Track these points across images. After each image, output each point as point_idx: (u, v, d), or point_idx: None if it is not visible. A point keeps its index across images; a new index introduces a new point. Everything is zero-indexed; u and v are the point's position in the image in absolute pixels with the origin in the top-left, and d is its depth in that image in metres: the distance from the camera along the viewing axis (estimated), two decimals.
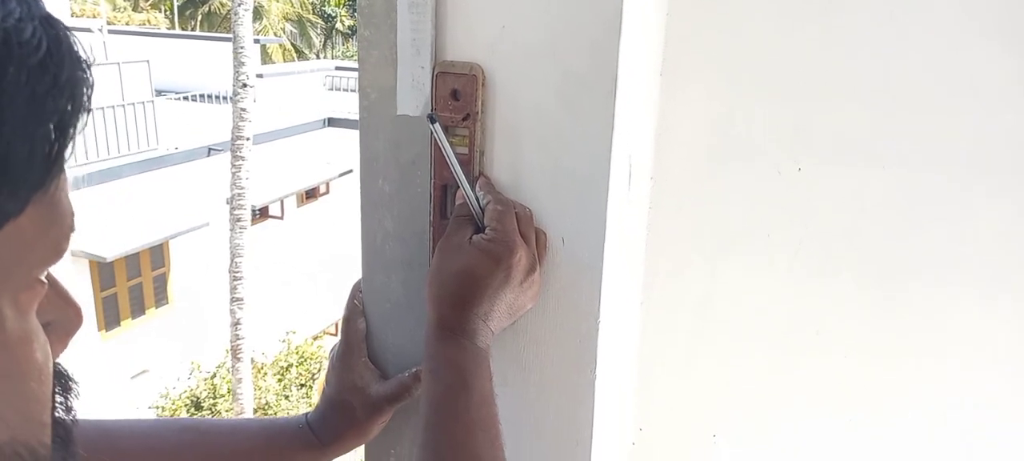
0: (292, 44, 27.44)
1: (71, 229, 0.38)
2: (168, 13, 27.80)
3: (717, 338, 0.86)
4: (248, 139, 8.53)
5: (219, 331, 9.67)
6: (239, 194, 8.55)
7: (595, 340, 0.72)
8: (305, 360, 10.36)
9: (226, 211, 8.85)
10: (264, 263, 10.75)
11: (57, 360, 0.40)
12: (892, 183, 0.76)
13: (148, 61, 10.93)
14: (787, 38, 0.75)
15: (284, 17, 27.43)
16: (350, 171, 12.43)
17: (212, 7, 26.85)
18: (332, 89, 16.90)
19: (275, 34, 26.08)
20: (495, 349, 0.69)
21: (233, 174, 8.54)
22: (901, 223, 0.77)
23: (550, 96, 0.68)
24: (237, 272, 8.61)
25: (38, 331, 0.37)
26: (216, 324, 10.07)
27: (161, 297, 10.98)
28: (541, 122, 0.69)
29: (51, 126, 0.33)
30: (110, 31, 15.29)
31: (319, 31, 29.53)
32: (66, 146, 0.35)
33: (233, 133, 8.50)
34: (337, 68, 18.11)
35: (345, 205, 12.74)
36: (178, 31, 24.66)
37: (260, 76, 12.71)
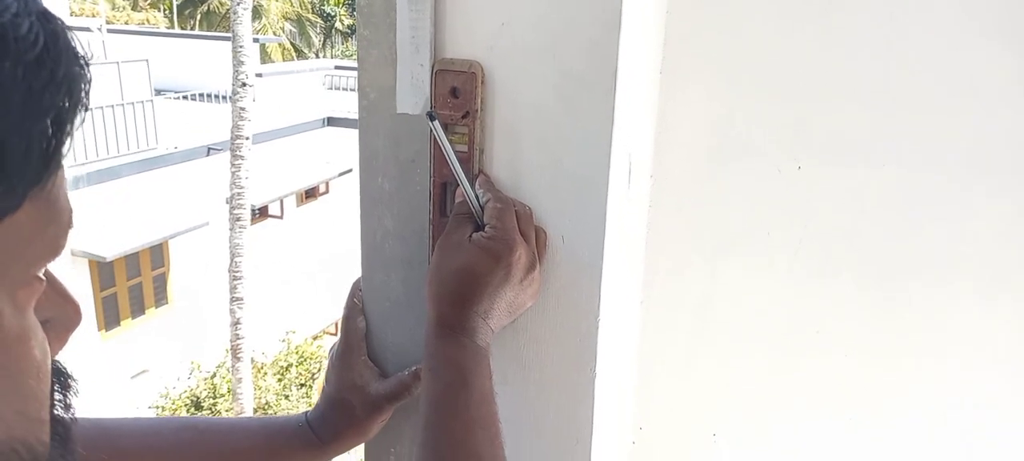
0: (291, 43, 27.44)
1: (69, 226, 0.38)
2: (167, 12, 27.80)
3: (717, 338, 0.86)
4: (247, 138, 8.53)
5: (219, 331, 9.67)
6: (239, 193, 8.55)
7: (595, 339, 0.72)
8: (305, 360, 10.36)
9: (226, 211, 8.85)
10: (264, 262, 10.75)
11: (55, 357, 0.40)
12: (892, 183, 0.76)
13: (147, 60, 10.92)
14: (787, 38, 0.75)
15: (283, 16, 27.43)
16: (350, 170, 12.43)
17: (211, 6, 26.85)
18: (331, 88, 16.90)
19: (274, 33, 26.08)
20: (495, 347, 0.69)
21: (232, 173, 8.54)
22: (901, 223, 0.77)
23: (550, 94, 0.68)
24: (237, 272, 8.61)
25: (36, 328, 0.37)
26: (216, 324, 10.07)
27: (161, 297, 10.98)
28: (541, 120, 0.69)
29: (48, 122, 0.33)
30: (109, 30, 15.28)
31: (318, 30, 29.54)
32: (63, 142, 0.35)
33: (232, 132, 8.51)
34: (336, 67, 18.11)
35: (345, 204, 12.74)
36: (177, 30, 24.65)
37: (259, 75, 12.72)
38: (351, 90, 16.09)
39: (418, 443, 0.64)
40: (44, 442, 0.38)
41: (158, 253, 10.70)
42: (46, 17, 0.34)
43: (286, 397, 9.78)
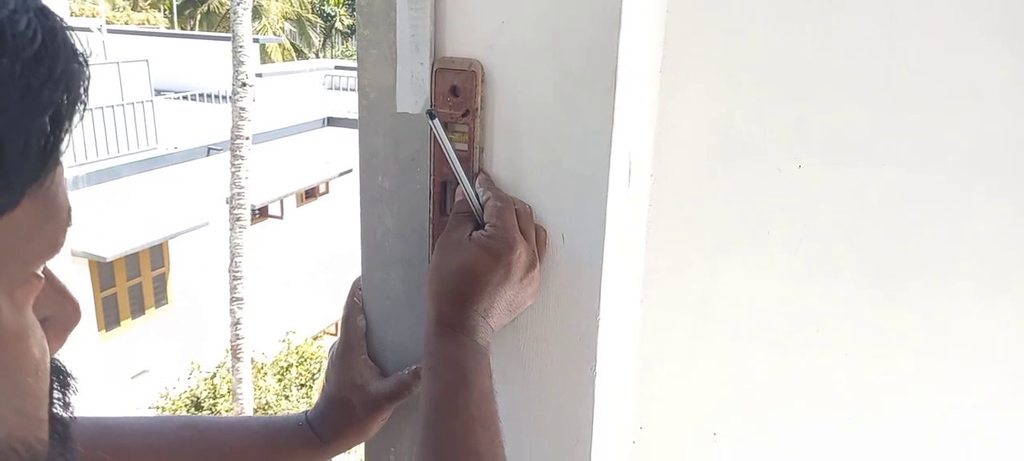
0: (291, 43, 27.44)
1: (68, 223, 0.37)
2: (167, 12, 27.80)
3: (717, 337, 0.86)
4: (247, 138, 8.53)
5: (219, 331, 9.67)
6: (239, 194, 8.55)
7: (595, 338, 0.72)
8: (305, 360, 10.35)
9: (226, 211, 8.85)
10: (264, 263, 10.75)
11: (54, 356, 0.40)
12: (892, 182, 0.76)
13: (147, 60, 10.92)
14: (787, 37, 0.75)
15: (283, 16, 27.43)
16: (350, 170, 12.43)
17: (211, 6, 26.85)
18: (331, 88, 16.90)
19: (274, 33, 26.08)
20: (495, 346, 0.69)
21: (232, 174, 8.54)
22: (901, 222, 0.77)
23: (550, 92, 0.68)
24: (237, 272, 8.61)
25: (35, 326, 0.37)
26: (216, 324, 10.07)
27: (161, 297, 10.98)
28: (541, 119, 0.69)
29: (46, 119, 0.33)
30: (109, 30, 15.28)
31: (318, 30, 29.54)
32: (62, 139, 0.34)
33: (232, 132, 8.50)
34: (336, 67, 18.10)
35: (345, 205, 12.74)
36: (177, 30, 24.65)
37: (259, 75, 12.72)
38: (351, 90, 16.08)
39: (418, 441, 0.64)
40: (43, 440, 0.38)
41: (158, 253, 10.70)
42: (44, 14, 0.34)
43: (286, 397, 9.78)
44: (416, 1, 0.68)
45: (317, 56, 28.00)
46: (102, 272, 9.81)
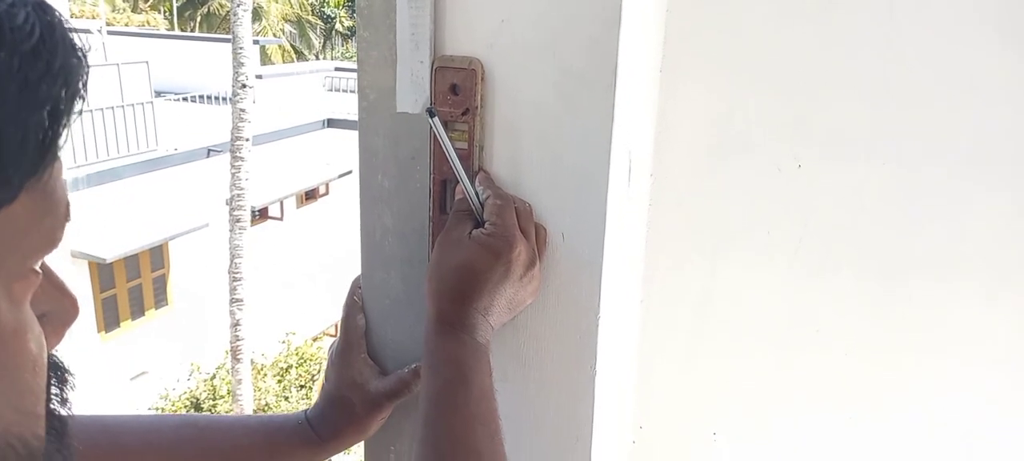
0: (291, 45, 27.44)
1: (66, 218, 0.37)
2: (167, 14, 27.81)
3: (717, 335, 0.86)
4: (247, 140, 8.53)
5: (219, 332, 9.67)
6: (238, 195, 8.55)
7: (595, 336, 0.72)
8: (305, 361, 10.35)
9: (226, 212, 8.85)
10: (264, 264, 10.75)
11: (52, 352, 0.40)
12: (892, 179, 0.75)
13: (147, 62, 10.94)
14: (787, 35, 0.75)
15: (283, 18, 27.43)
16: (350, 172, 12.44)
17: (211, 8, 26.86)
18: (331, 90, 16.91)
19: (274, 35, 26.09)
20: (495, 345, 0.69)
21: (232, 175, 8.54)
22: (901, 219, 0.77)
23: (550, 91, 0.68)
24: (237, 273, 8.60)
25: (32, 322, 0.37)
26: (216, 325, 10.07)
27: (161, 298, 10.98)
28: (541, 117, 0.69)
29: (45, 113, 0.33)
30: (109, 32, 15.29)
31: (318, 32, 29.54)
32: (60, 133, 0.34)
33: (232, 134, 8.51)
34: (336, 69, 18.12)
35: (345, 206, 12.74)
36: (177, 32, 24.66)
37: (259, 77, 12.71)
38: (351, 92, 16.09)
39: (418, 439, 0.64)
40: (40, 437, 0.38)
41: (158, 254, 10.71)
42: (42, 8, 0.34)
43: (286, 398, 9.77)
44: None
45: (317, 58, 28.00)
46: (102, 273, 9.81)
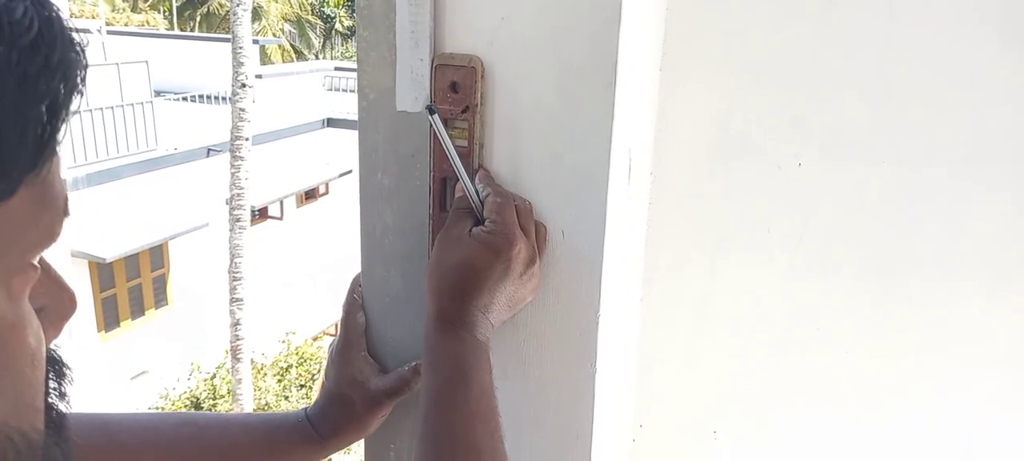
0: (291, 45, 27.43)
1: (64, 213, 0.37)
2: (167, 14, 27.80)
3: (717, 334, 0.86)
4: (247, 139, 8.53)
5: (219, 332, 9.67)
6: (238, 194, 8.55)
7: (595, 334, 0.72)
8: (305, 361, 10.35)
9: (225, 212, 8.85)
10: (263, 264, 10.75)
11: (51, 346, 0.40)
12: (892, 179, 0.75)
13: (147, 62, 10.93)
14: (787, 35, 0.75)
15: (283, 18, 27.43)
16: (349, 171, 12.43)
17: (211, 8, 26.86)
18: (331, 89, 16.90)
19: (274, 35, 26.08)
20: (495, 343, 0.69)
21: (232, 175, 8.54)
22: (901, 219, 0.76)
23: (550, 88, 0.68)
24: (236, 273, 8.61)
25: (31, 316, 0.37)
26: (216, 325, 10.07)
27: (161, 298, 10.98)
28: (541, 114, 0.69)
29: (43, 108, 0.33)
30: (109, 32, 15.28)
31: (318, 32, 29.54)
32: (59, 128, 0.34)
33: (232, 133, 8.51)
34: (336, 69, 18.11)
35: (345, 206, 12.74)
36: (177, 32, 24.65)
37: (259, 77, 12.71)
38: (351, 91, 16.08)
39: (417, 437, 0.64)
40: (39, 430, 0.38)
41: (158, 254, 10.70)
42: (41, 3, 0.34)
43: (286, 398, 9.77)
44: None
45: (317, 57, 28.00)
46: (102, 273, 9.81)
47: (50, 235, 0.37)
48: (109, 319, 10.19)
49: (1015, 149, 0.72)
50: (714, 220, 0.82)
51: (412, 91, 0.71)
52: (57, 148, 0.35)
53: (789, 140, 0.77)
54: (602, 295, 0.71)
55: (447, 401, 0.63)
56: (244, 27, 8.38)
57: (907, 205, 0.76)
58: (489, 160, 0.71)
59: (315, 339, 11.77)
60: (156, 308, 10.90)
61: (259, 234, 10.99)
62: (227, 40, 10.13)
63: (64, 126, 0.35)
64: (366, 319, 0.80)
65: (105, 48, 13.05)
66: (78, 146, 9.36)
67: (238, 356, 8.65)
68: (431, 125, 0.67)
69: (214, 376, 9.69)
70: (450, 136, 0.67)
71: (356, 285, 0.80)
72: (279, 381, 10.01)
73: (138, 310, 10.67)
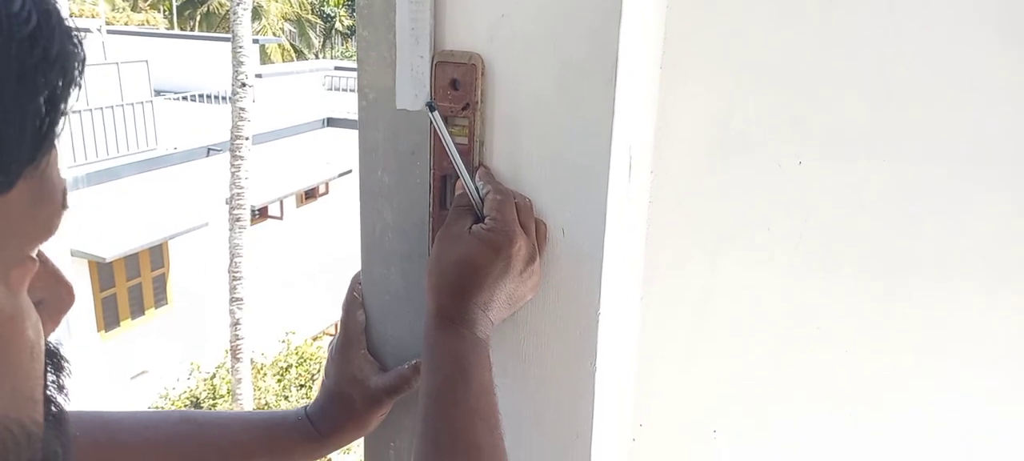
0: (291, 44, 27.44)
1: (63, 206, 0.37)
2: (167, 13, 27.80)
3: (717, 333, 0.86)
4: (247, 139, 8.53)
5: (218, 331, 9.67)
6: (238, 194, 8.55)
7: (595, 332, 0.72)
8: (305, 361, 10.35)
9: (225, 211, 8.85)
10: (263, 263, 10.75)
11: (49, 340, 0.40)
12: (892, 177, 0.75)
13: (147, 61, 10.94)
14: (787, 32, 0.75)
15: (283, 17, 27.43)
16: (349, 171, 12.44)
17: (211, 7, 26.85)
18: (331, 89, 16.90)
19: (274, 34, 26.07)
20: (495, 341, 0.69)
21: (232, 174, 8.54)
22: (901, 217, 0.76)
23: (550, 85, 0.68)
24: (236, 272, 8.60)
25: (30, 308, 0.37)
26: (215, 324, 10.07)
27: (160, 297, 10.98)
28: (541, 112, 0.69)
29: (41, 100, 0.33)
30: (109, 31, 15.29)
31: (318, 31, 29.54)
32: (57, 121, 0.34)
33: (232, 133, 8.51)
34: (336, 68, 18.11)
35: (344, 205, 12.74)
36: (177, 31, 24.66)
37: (259, 76, 12.72)
38: (351, 91, 16.08)
39: (417, 434, 0.63)
40: (38, 422, 0.38)
41: (158, 254, 10.70)
42: None
43: (286, 398, 9.77)
44: None
45: (317, 57, 28.00)
46: (102, 272, 9.81)
47: (48, 228, 0.37)
48: (109, 319, 10.19)
49: (1015, 149, 0.72)
50: (714, 218, 0.82)
51: (412, 88, 0.71)
52: (55, 141, 0.35)
53: (789, 139, 0.77)
54: (602, 293, 0.71)
55: (447, 398, 0.63)
56: (244, 26, 8.39)
57: (907, 204, 0.76)
58: (489, 157, 0.71)
59: (315, 339, 11.76)
60: (156, 308, 10.90)
61: (259, 234, 10.99)
62: (227, 39, 10.13)
63: (63, 119, 0.35)
64: (366, 317, 0.79)
65: (105, 47, 13.06)
66: (78, 145, 9.37)
67: (238, 356, 8.65)
68: (431, 122, 0.67)
69: (214, 376, 9.69)
70: (450, 133, 0.67)
71: (356, 283, 0.80)
72: (279, 381, 10.01)
73: (138, 310, 10.67)
